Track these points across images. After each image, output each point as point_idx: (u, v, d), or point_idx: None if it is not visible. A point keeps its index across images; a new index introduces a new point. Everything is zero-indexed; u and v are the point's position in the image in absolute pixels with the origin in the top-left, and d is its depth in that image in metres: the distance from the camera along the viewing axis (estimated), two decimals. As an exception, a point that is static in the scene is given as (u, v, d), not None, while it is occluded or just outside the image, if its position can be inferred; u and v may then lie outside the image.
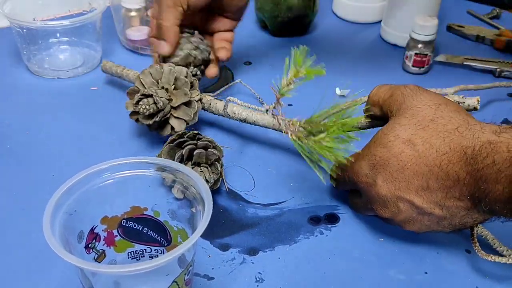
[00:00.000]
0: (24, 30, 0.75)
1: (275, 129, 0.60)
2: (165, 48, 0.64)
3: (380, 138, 0.48)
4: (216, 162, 0.55)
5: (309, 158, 0.47)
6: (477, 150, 0.42)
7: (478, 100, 0.57)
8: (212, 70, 0.70)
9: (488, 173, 0.42)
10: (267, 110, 0.52)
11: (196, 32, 0.68)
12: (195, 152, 0.54)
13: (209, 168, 0.55)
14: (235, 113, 0.61)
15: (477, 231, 0.49)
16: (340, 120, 0.47)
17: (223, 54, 0.71)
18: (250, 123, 0.61)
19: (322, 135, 0.46)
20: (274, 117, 0.51)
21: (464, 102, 0.57)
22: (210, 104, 0.64)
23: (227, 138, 0.66)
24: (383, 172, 0.47)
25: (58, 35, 0.80)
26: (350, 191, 0.55)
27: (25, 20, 0.74)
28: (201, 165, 0.55)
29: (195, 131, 0.57)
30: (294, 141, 0.48)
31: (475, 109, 0.57)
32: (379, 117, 0.53)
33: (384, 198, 0.48)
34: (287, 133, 0.49)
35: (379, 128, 0.50)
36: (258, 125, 0.61)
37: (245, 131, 0.67)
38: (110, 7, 0.84)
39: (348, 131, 0.46)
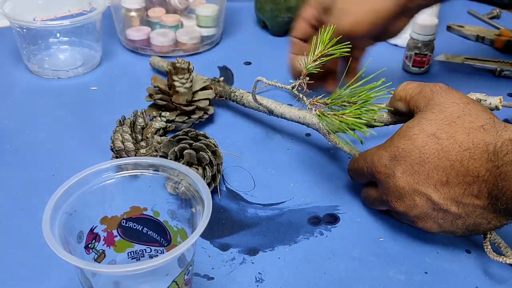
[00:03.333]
0: (24, 30, 0.75)
1: (300, 123, 0.61)
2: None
3: (405, 130, 0.49)
4: (207, 167, 0.55)
5: (332, 131, 0.50)
6: (499, 147, 0.43)
7: (500, 100, 0.56)
8: (329, 85, 0.70)
9: (507, 171, 0.42)
10: (293, 87, 0.53)
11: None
12: (184, 152, 0.54)
13: (199, 171, 0.55)
14: (262, 103, 0.63)
15: (490, 236, 0.48)
16: (363, 97, 0.49)
17: (329, 87, 0.69)
18: (277, 115, 0.63)
19: (345, 110, 0.49)
20: (298, 94, 0.53)
21: (486, 100, 0.56)
22: (242, 97, 0.66)
23: (228, 138, 0.66)
24: (403, 164, 0.47)
25: (58, 35, 0.80)
26: (364, 184, 0.55)
27: (25, 20, 0.74)
28: (193, 165, 0.55)
29: (202, 132, 0.57)
30: (318, 117, 0.50)
31: (497, 108, 0.56)
32: (402, 113, 0.53)
33: (401, 191, 0.48)
34: (311, 108, 0.51)
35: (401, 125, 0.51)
36: (284, 118, 0.62)
37: (245, 130, 0.67)
38: (110, 7, 0.84)
39: (369, 110, 0.49)
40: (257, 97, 0.62)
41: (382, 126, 0.56)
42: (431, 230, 0.49)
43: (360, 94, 0.50)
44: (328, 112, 0.50)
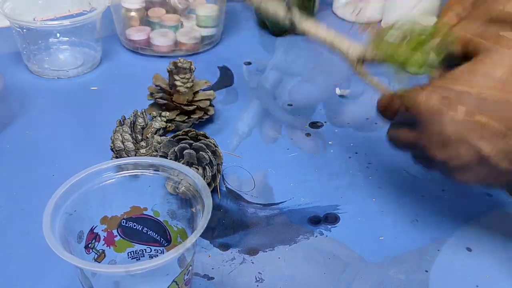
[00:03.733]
0: (24, 30, 0.75)
1: (323, 43, 0.53)
2: None
3: (461, 71, 0.42)
4: (207, 167, 0.55)
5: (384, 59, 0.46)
6: None
7: None
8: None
9: None
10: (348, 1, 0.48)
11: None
12: (184, 152, 0.54)
13: (199, 171, 0.55)
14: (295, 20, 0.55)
15: None
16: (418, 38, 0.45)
17: None
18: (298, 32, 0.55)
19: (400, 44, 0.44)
20: (353, 11, 0.49)
21: None
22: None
23: (228, 138, 0.66)
24: (455, 108, 0.41)
25: (58, 35, 0.80)
26: (392, 122, 0.49)
27: (25, 20, 0.74)
28: (193, 165, 0.55)
29: (202, 132, 0.57)
30: (373, 40, 0.46)
31: None
32: (454, 57, 0.45)
33: (446, 138, 0.42)
34: (364, 29, 0.47)
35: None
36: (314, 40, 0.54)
37: (246, 128, 0.67)
38: (110, 7, 0.84)
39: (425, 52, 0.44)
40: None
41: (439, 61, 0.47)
42: (467, 182, 0.45)
43: (419, 34, 0.44)
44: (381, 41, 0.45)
